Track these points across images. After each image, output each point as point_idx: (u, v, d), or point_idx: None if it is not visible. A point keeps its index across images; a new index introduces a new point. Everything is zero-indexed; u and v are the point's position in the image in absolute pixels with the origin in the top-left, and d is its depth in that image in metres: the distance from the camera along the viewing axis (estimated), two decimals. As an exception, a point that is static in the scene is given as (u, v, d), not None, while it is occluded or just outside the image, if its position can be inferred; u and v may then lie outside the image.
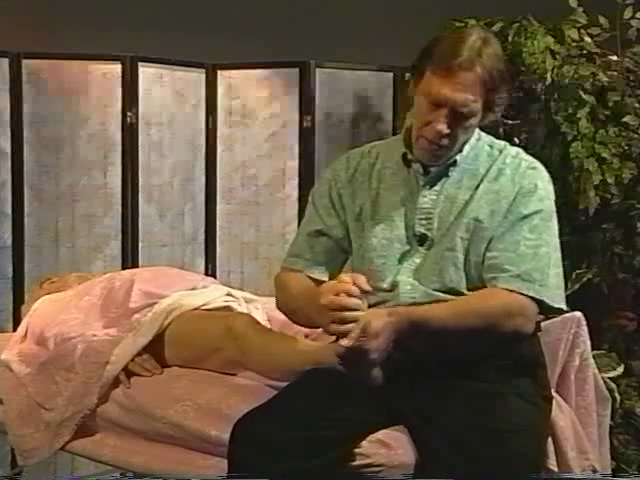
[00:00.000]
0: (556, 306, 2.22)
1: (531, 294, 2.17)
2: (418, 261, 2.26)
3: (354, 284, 2.08)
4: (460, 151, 2.26)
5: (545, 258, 2.21)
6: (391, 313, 2.12)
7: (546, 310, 2.24)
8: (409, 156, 2.29)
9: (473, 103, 2.16)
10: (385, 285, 2.25)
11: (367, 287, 2.09)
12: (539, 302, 2.19)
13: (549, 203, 2.26)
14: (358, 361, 2.09)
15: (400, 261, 2.26)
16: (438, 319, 2.14)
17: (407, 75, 3.85)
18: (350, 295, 2.07)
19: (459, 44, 2.15)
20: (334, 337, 2.17)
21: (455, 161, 2.26)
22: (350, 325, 2.06)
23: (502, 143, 2.34)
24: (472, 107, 2.17)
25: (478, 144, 2.30)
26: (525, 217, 2.22)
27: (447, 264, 2.22)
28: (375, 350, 2.07)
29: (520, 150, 2.33)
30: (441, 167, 2.27)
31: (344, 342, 2.06)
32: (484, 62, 2.14)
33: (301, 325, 2.45)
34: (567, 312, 2.40)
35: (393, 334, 2.09)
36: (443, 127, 2.17)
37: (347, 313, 2.06)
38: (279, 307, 2.41)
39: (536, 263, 2.19)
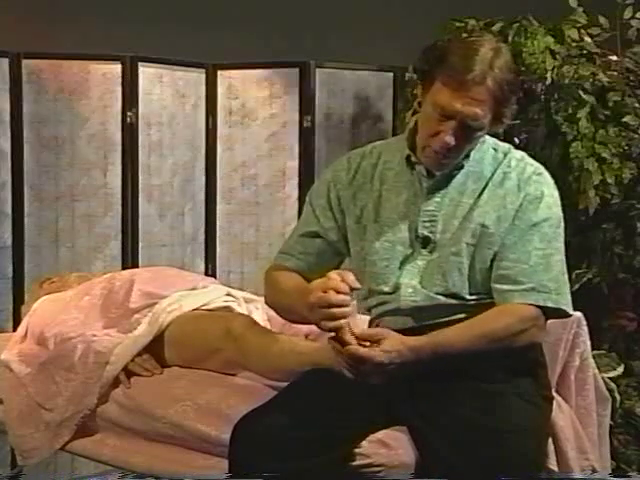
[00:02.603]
0: (571, 312, 2.24)
1: (550, 304, 2.18)
2: (421, 264, 2.25)
3: (342, 281, 2.08)
4: (467, 156, 2.26)
5: (557, 266, 2.22)
6: (409, 345, 2.12)
7: (560, 316, 2.25)
8: (413, 158, 2.28)
9: (483, 117, 2.15)
10: (387, 288, 2.25)
11: (356, 284, 2.09)
12: (554, 309, 2.20)
13: (556, 210, 2.26)
14: (365, 373, 2.11)
15: (403, 264, 2.26)
16: (456, 345, 2.14)
17: (407, 75, 3.87)
18: (338, 292, 2.07)
19: (471, 56, 2.13)
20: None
21: (462, 165, 2.26)
22: (340, 321, 2.07)
23: (506, 146, 2.33)
24: (482, 121, 2.16)
25: (482, 147, 2.29)
26: (535, 225, 2.21)
27: (451, 269, 2.22)
28: (385, 370, 2.09)
29: (524, 154, 2.32)
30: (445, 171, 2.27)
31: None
32: (495, 75, 2.13)
33: (290, 321, 2.45)
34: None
35: (408, 360, 2.10)
36: (451, 139, 2.16)
37: (335, 310, 2.07)
38: (268, 302, 2.42)
39: (549, 273, 2.19)
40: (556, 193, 2.28)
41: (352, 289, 2.09)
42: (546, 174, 2.29)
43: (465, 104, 2.13)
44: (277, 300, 2.37)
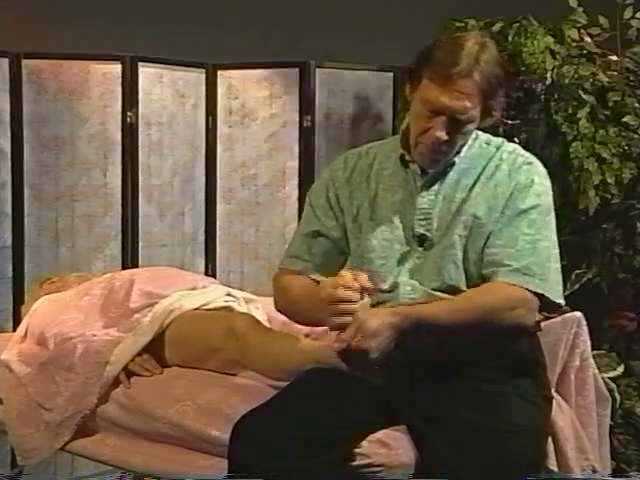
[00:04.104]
0: (557, 301, 2.22)
1: (532, 288, 2.17)
2: (418, 262, 2.26)
3: (354, 280, 2.08)
4: (458, 152, 2.27)
5: (545, 252, 2.21)
6: (392, 313, 2.12)
7: (546, 305, 2.24)
8: (407, 157, 2.29)
9: (471, 110, 2.16)
10: (385, 286, 2.25)
11: (368, 284, 2.10)
12: (540, 296, 2.19)
13: (546, 198, 2.26)
14: (356, 360, 2.10)
15: (400, 262, 2.26)
16: (439, 317, 2.14)
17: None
18: (348, 288, 2.07)
19: (457, 51, 2.14)
20: (335, 337, 2.17)
21: (453, 162, 2.27)
22: (346, 318, 2.07)
23: (499, 140, 2.34)
24: (470, 114, 2.17)
25: (475, 143, 2.30)
26: (523, 212, 2.22)
27: (447, 262, 2.22)
28: (373, 350, 2.07)
29: (517, 146, 2.33)
30: (439, 168, 2.27)
31: (337, 345, 2.08)
32: (482, 69, 2.14)
33: (304, 325, 2.46)
34: (566, 309, 2.40)
35: (393, 334, 2.09)
36: (442, 134, 2.17)
37: (342, 305, 2.07)
38: (278, 308, 2.41)
39: (535, 258, 2.19)
40: (547, 182, 2.28)
41: (364, 289, 2.09)
42: (537, 163, 2.30)
43: (453, 98, 2.14)
44: (288, 305, 2.37)
